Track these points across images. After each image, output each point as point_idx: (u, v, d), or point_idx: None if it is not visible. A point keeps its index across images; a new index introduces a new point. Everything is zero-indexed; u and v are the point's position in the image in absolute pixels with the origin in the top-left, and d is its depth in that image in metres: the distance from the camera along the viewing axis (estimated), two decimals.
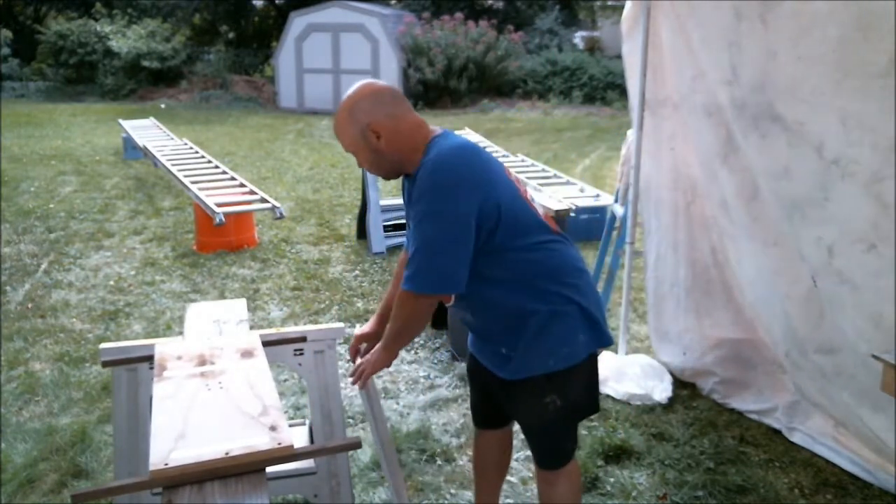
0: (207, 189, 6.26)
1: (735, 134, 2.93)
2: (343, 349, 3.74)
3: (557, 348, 1.97)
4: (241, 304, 2.49)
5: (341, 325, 2.46)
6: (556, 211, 4.45)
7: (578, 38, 20.32)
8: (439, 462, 3.05)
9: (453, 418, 3.41)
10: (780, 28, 2.56)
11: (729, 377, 3.48)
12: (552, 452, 2.15)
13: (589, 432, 3.23)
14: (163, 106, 16.25)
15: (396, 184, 8.20)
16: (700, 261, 3.50)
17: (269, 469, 1.50)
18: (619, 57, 3.85)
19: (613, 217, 4.14)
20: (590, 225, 5.96)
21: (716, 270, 3.43)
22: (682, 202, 3.51)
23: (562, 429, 2.13)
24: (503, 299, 1.96)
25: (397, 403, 3.57)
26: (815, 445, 3.07)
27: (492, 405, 2.28)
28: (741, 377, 3.43)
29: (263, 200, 6.12)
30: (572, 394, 2.05)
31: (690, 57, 3.11)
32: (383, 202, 6.11)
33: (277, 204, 5.99)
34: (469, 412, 3.42)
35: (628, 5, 3.50)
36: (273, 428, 1.56)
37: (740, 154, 2.93)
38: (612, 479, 2.90)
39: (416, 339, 4.30)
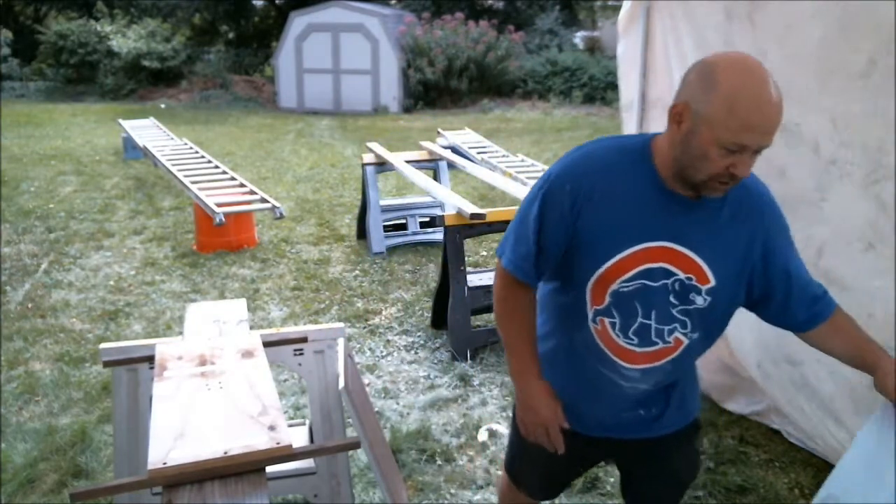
0: (207, 189, 6.25)
1: None
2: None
3: (698, 388, 1.85)
4: (241, 304, 2.49)
5: (341, 325, 2.46)
6: None
7: (578, 38, 20.31)
8: (439, 462, 3.05)
9: (453, 418, 3.41)
10: (768, 27, 2.57)
11: (718, 381, 3.48)
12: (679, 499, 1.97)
13: None
14: (163, 106, 16.25)
15: (396, 183, 8.21)
16: None
17: (269, 469, 1.51)
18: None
19: None
20: None
21: None
22: None
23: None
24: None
25: (397, 403, 3.57)
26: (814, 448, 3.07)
27: (583, 471, 2.06)
28: (729, 382, 3.42)
29: (263, 200, 6.12)
30: None
31: (680, 58, 3.11)
32: (383, 202, 6.11)
33: (277, 204, 5.99)
34: (468, 413, 3.43)
35: (626, 5, 3.50)
36: (272, 428, 1.56)
37: None
38: (612, 479, 2.90)
39: (416, 340, 4.31)
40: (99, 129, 12.74)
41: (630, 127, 3.59)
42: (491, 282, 4.28)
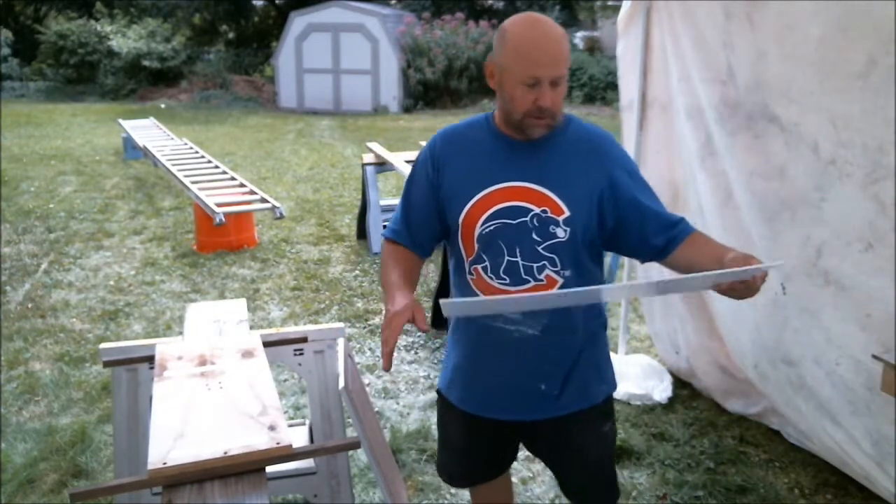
0: (207, 189, 6.26)
1: (714, 136, 2.91)
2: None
3: (609, 369, 1.87)
4: (241, 304, 2.49)
5: (341, 324, 2.46)
6: None
7: (578, 38, 20.32)
8: None
9: None
10: (767, 27, 2.56)
11: (717, 382, 3.47)
12: (610, 488, 1.96)
13: None
14: (163, 106, 16.25)
15: (396, 183, 8.21)
16: None
17: (269, 469, 1.50)
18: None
19: None
20: None
21: None
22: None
23: (613, 459, 1.97)
24: (589, 306, 1.77)
25: (397, 403, 3.57)
26: (811, 447, 3.06)
27: (499, 457, 1.98)
28: (727, 383, 3.42)
29: (263, 200, 6.12)
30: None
31: (678, 58, 3.10)
32: (383, 202, 6.11)
33: (277, 204, 5.99)
34: None
35: (625, 5, 3.50)
36: (272, 428, 1.56)
37: (718, 157, 2.92)
38: None
39: (416, 340, 4.31)
40: (99, 129, 12.74)
41: (630, 126, 3.59)
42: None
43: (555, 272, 1.70)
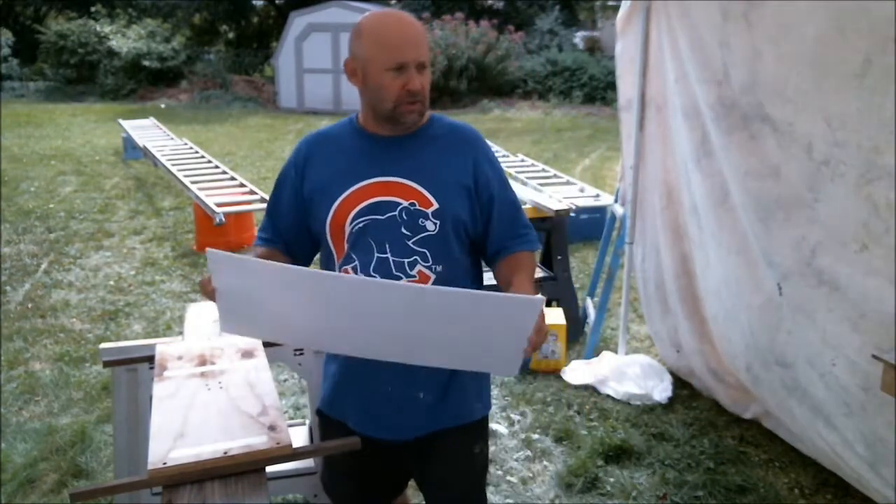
0: (207, 189, 6.26)
1: (710, 136, 2.90)
2: None
3: (486, 389, 1.80)
4: None
5: None
6: (556, 211, 4.45)
7: (578, 38, 20.32)
8: None
9: None
10: (763, 27, 2.55)
11: (709, 384, 3.47)
12: None
13: (589, 432, 3.23)
14: (163, 106, 16.25)
15: None
16: (672, 268, 3.48)
17: (269, 469, 1.50)
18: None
19: (613, 217, 4.14)
20: (590, 225, 5.97)
21: (685, 279, 3.40)
22: (658, 207, 3.51)
23: (484, 484, 1.90)
24: None
25: None
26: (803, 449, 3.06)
27: (383, 481, 1.90)
28: (715, 385, 3.42)
29: (263, 200, 6.12)
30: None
31: (675, 58, 3.10)
32: None
33: None
34: None
35: (624, 5, 3.50)
36: (272, 427, 1.56)
37: (713, 157, 2.91)
38: (612, 479, 2.90)
39: None
40: (99, 129, 12.74)
41: (629, 126, 3.59)
42: (487, 282, 4.28)
43: (426, 267, 1.67)
